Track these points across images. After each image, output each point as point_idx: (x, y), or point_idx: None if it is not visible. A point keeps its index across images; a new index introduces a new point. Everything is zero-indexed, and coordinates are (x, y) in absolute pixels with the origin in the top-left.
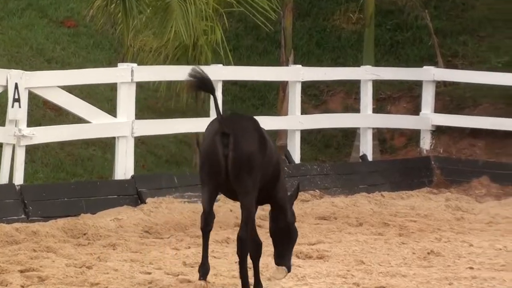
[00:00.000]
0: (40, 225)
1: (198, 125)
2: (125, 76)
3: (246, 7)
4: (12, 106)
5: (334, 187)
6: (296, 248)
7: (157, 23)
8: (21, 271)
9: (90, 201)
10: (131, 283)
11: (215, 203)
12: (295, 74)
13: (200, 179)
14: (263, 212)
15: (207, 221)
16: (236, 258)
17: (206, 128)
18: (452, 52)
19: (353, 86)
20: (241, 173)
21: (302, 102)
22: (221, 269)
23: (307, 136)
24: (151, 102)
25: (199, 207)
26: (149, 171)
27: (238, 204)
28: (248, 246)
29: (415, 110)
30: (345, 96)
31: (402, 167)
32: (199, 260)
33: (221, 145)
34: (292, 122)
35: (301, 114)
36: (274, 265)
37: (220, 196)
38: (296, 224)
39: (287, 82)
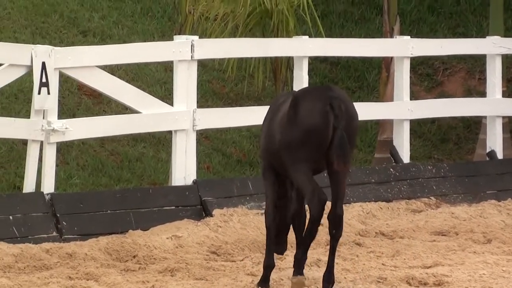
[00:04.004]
0: (77, 245)
1: None
2: (184, 52)
3: None
4: (39, 93)
5: (454, 193)
6: (406, 272)
7: None
8: None
9: (141, 213)
10: None
11: None
12: (402, 48)
13: (298, 159)
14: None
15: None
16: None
17: (301, 99)
18: None
19: (476, 63)
20: (349, 146)
21: (412, 84)
22: None
23: (419, 128)
24: (217, 85)
25: None
26: (216, 175)
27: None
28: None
29: None
30: (467, 75)
31: None
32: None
33: (332, 116)
34: (398, 110)
35: (411, 99)
36: None
37: None
38: (406, 241)
39: (391, 58)
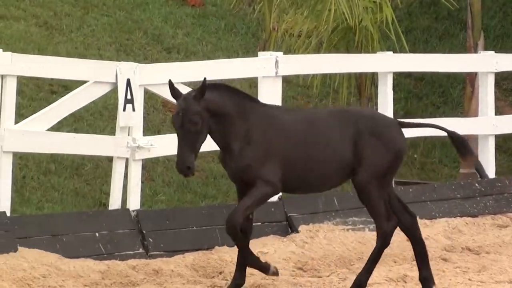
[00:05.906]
0: (163, 262)
1: None
2: (268, 68)
3: None
4: (124, 109)
5: None
6: (493, 287)
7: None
8: None
9: None
10: None
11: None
12: (486, 63)
13: (380, 184)
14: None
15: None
16: None
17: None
18: None
19: None
20: None
21: (496, 99)
22: None
23: (504, 143)
24: (302, 101)
25: (366, 236)
26: None
27: None
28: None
29: None
30: None
31: None
32: None
33: None
34: (483, 125)
35: (495, 114)
36: None
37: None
38: (492, 256)
39: (476, 73)
